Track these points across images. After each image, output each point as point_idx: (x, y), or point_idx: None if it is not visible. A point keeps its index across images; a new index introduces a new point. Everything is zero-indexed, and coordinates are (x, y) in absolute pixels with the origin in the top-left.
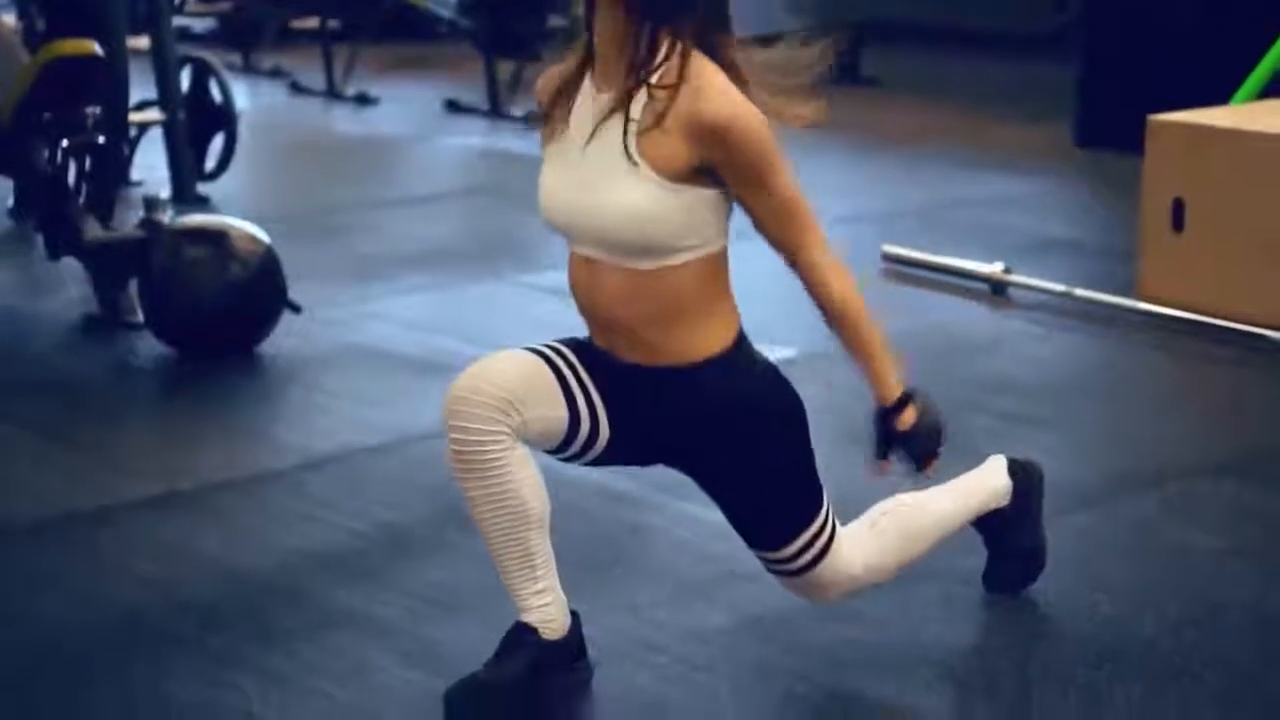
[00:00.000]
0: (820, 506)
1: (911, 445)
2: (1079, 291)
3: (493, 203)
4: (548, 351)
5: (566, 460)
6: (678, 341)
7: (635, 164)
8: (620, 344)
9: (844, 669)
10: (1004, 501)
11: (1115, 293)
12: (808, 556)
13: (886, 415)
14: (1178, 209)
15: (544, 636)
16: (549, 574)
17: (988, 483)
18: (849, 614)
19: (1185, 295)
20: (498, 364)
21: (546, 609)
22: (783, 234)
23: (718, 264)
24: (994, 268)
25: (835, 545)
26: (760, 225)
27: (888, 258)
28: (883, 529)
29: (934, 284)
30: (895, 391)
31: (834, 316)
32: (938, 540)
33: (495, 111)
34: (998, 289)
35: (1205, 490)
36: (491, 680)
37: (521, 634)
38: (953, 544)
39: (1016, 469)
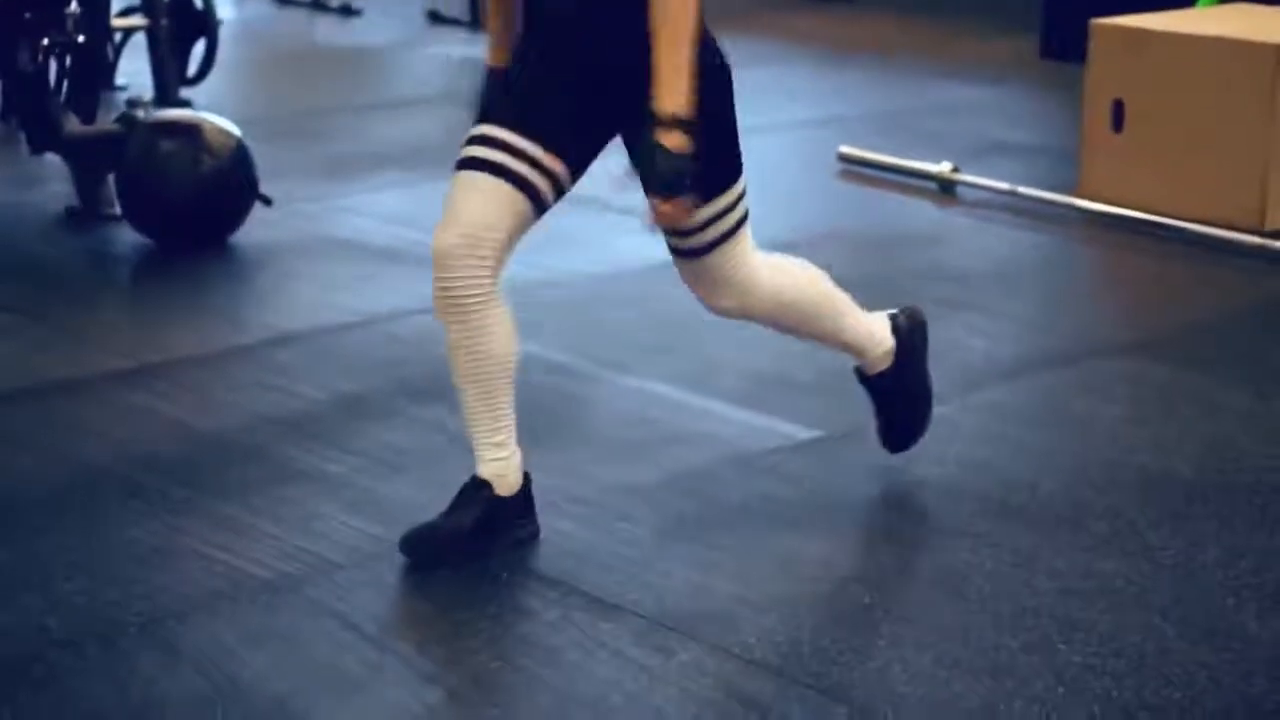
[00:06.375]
0: (738, 176)
1: (658, 163)
2: (1023, 189)
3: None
4: (489, 157)
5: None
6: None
7: None
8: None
9: (757, 521)
10: (887, 363)
11: (1058, 191)
12: (714, 233)
13: (652, 120)
14: (1118, 110)
15: (496, 492)
16: (509, 429)
17: (874, 328)
18: (768, 471)
19: (1123, 193)
20: (466, 207)
21: (502, 463)
22: None
23: None
24: (942, 167)
25: (742, 235)
26: None
27: (843, 158)
28: (785, 268)
29: (886, 183)
30: (672, 107)
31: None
32: (813, 316)
33: (476, 23)
34: (946, 187)
35: (1114, 367)
36: (443, 528)
37: (476, 488)
38: (868, 405)
39: (902, 332)
